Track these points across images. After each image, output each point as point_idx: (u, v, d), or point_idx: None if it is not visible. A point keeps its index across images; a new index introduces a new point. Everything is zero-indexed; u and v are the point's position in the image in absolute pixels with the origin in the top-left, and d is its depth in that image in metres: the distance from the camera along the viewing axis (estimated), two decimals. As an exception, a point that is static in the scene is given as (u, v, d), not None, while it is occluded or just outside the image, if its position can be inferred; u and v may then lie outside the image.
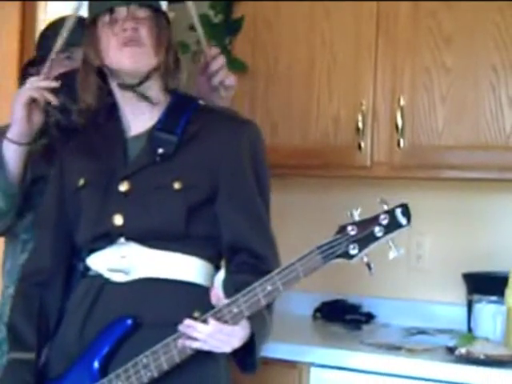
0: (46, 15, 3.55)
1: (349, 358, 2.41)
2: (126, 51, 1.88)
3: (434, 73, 2.66)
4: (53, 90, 2.13)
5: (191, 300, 1.91)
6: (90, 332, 1.90)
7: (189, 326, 1.78)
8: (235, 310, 1.78)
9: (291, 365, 2.47)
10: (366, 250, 1.74)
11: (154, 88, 1.96)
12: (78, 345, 1.91)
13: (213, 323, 1.77)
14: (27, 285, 2.03)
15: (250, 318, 1.80)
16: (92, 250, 1.96)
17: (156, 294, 1.90)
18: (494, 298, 2.55)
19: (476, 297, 2.63)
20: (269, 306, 1.85)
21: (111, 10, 1.90)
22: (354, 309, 3.02)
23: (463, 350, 2.30)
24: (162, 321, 1.87)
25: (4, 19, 3.56)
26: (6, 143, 2.11)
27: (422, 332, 2.76)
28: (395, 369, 2.34)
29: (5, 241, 2.36)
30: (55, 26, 2.35)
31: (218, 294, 1.87)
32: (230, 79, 2.20)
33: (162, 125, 1.96)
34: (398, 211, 1.75)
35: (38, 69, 2.23)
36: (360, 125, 2.75)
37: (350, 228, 1.75)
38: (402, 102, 2.69)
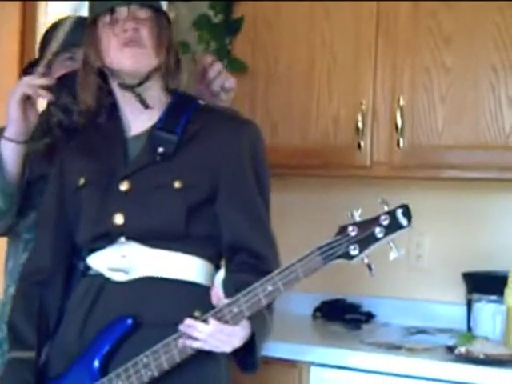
0: (46, 15, 3.56)
1: (349, 358, 2.41)
2: (126, 52, 1.89)
3: (434, 73, 2.66)
4: (55, 90, 2.14)
5: (191, 299, 1.91)
6: (90, 331, 1.90)
7: (189, 325, 1.78)
8: (236, 310, 1.78)
9: (291, 364, 2.47)
10: (366, 251, 1.74)
11: (154, 88, 1.96)
12: (78, 344, 1.91)
13: (213, 323, 1.77)
14: (27, 284, 2.04)
15: (251, 318, 1.80)
16: (92, 250, 1.96)
17: (156, 294, 1.90)
18: (493, 297, 2.55)
19: (476, 296, 2.63)
20: (269, 306, 1.85)
21: (112, 10, 1.91)
22: (354, 308, 3.03)
23: (463, 350, 2.30)
24: (163, 320, 1.87)
25: (4, 19, 3.57)
26: (3, 142, 2.11)
27: (421, 331, 2.76)
28: (395, 368, 2.34)
29: (7, 240, 2.36)
30: (58, 26, 2.35)
31: (218, 294, 1.87)
32: (230, 82, 2.21)
33: (163, 124, 1.96)
34: (399, 212, 1.74)
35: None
36: (360, 125, 2.76)
37: (350, 229, 1.74)
38: (402, 102, 2.69)
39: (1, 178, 2.11)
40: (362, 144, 2.76)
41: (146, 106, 1.96)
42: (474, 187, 2.87)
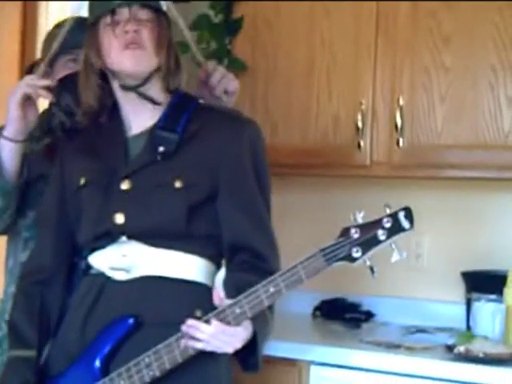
0: (47, 15, 3.56)
1: (348, 356, 2.42)
2: (127, 54, 1.89)
3: (434, 73, 2.67)
4: (57, 92, 2.15)
5: (192, 298, 1.92)
6: (91, 330, 1.91)
7: (191, 326, 1.78)
8: (238, 311, 1.78)
9: (291, 363, 2.48)
10: (368, 253, 1.75)
11: (155, 88, 1.97)
12: (79, 343, 1.91)
13: (215, 324, 1.77)
14: (28, 283, 2.04)
15: (252, 318, 1.81)
16: (94, 249, 1.97)
17: (157, 293, 1.91)
18: (492, 296, 2.55)
19: (475, 295, 2.63)
20: (270, 306, 1.85)
21: (113, 12, 1.91)
22: (354, 307, 3.03)
23: (462, 349, 2.30)
24: (164, 319, 1.88)
25: (5, 19, 3.56)
26: (2, 141, 2.12)
27: (421, 330, 2.77)
28: (394, 367, 2.35)
29: (7, 239, 2.37)
30: (60, 27, 2.36)
31: (219, 295, 1.87)
32: (233, 85, 2.22)
33: (163, 123, 1.97)
34: (401, 214, 1.75)
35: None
36: (359, 124, 2.76)
37: (353, 231, 1.75)
38: (402, 102, 2.70)
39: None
40: (362, 144, 2.76)
41: (153, 102, 1.97)
42: (474, 187, 2.88)
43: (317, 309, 3.09)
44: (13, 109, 2.09)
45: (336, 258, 1.75)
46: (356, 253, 1.75)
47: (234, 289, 1.83)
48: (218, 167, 1.92)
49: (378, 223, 1.75)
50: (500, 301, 2.50)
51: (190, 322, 1.78)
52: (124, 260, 1.92)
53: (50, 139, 2.28)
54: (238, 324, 1.79)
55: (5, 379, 1.96)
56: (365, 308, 3.03)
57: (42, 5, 3.61)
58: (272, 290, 1.76)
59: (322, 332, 2.91)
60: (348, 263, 1.76)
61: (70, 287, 2.02)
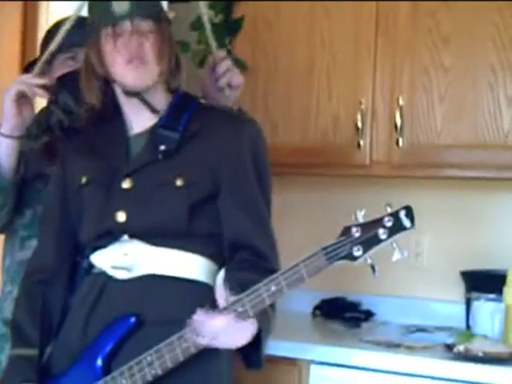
0: (47, 15, 3.56)
1: (348, 356, 2.42)
2: (130, 70, 1.90)
3: (433, 73, 2.67)
4: (56, 90, 2.15)
5: (194, 297, 1.92)
6: (93, 329, 1.91)
7: (199, 320, 1.77)
8: (240, 310, 1.78)
9: (291, 362, 2.48)
10: (369, 252, 1.75)
11: (157, 91, 1.98)
12: (80, 342, 1.92)
13: (223, 318, 1.76)
14: (30, 282, 2.05)
15: (256, 315, 1.81)
16: (96, 248, 1.97)
17: (158, 291, 1.91)
18: (492, 295, 2.56)
19: (474, 294, 2.64)
20: (272, 304, 1.86)
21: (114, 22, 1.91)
22: (354, 306, 3.04)
23: (462, 348, 2.31)
24: (165, 318, 1.88)
25: (5, 19, 3.56)
26: None
27: (420, 329, 2.77)
28: (394, 366, 2.35)
29: (4, 238, 2.37)
30: (59, 26, 2.36)
31: (223, 295, 1.86)
32: (237, 79, 2.22)
33: (164, 122, 1.97)
34: (402, 213, 1.75)
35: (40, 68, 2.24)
36: (359, 124, 2.77)
37: (354, 230, 1.75)
38: (401, 102, 2.70)
39: None
40: (362, 143, 2.77)
41: (153, 110, 1.98)
42: (473, 186, 2.89)
43: (317, 308, 3.09)
44: (8, 106, 2.10)
45: (337, 257, 1.75)
46: (357, 251, 1.75)
47: (235, 287, 1.82)
48: (219, 166, 1.93)
49: (379, 222, 1.75)
50: (499, 300, 2.50)
51: (198, 316, 1.77)
52: (125, 259, 1.92)
53: (48, 138, 2.29)
54: None
55: (7, 377, 1.96)
56: (365, 307, 3.03)
57: (43, 5, 3.61)
58: (273, 288, 1.77)
59: (322, 331, 2.92)
60: (349, 262, 1.76)
61: (73, 286, 2.03)
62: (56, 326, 2.01)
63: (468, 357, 2.28)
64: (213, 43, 2.24)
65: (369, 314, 3.01)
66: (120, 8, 1.88)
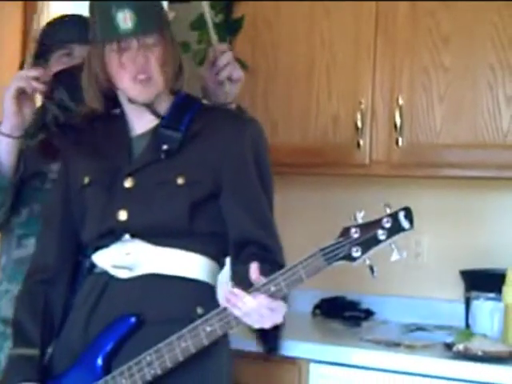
0: (48, 15, 3.56)
1: (348, 355, 2.42)
2: (136, 85, 1.91)
3: (433, 72, 2.68)
4: (51, 86, 2.15)
5: (194, 296, 1.93)
6: (94, 329, 1.92)
7: (236, 294, 1.77)
8: (273, 289, 1.78)
9: (291, 361, 2.48)
10: (368, 253, 1.76)
11: (161, 96, 1.98)
12: (82, 342, 1.92)
13: (260, 297, 1.76)
14: (32, 282, 2.05)
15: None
16: (98, 248, 1.98)
17: (159, 290, 1.92)
18: (491, 294, 2.57)
19: (474, 294, 2.64)
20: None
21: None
22: (353, 305, 3.04)
23: (461, 347, 2.31)
24: (165, 317, 1.89)
25: (6, 19, 3.56)
26: None
27: (420, 328, 2.78)
28: (394, 365, 2.36)
29: (0, 236, 2.37)
30: (56, 22, 2.37)
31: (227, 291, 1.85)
32: (237, 73, 2.21)
33: (167, 122, 1.98)
34: (401, 214, 1.76)
35: (36, 63, 2.23)
36: (359, 123, 2.77)
37: (353, 230, 1.76)
38: (401, 101, 2.71)
39: None
40: (361, 143, 2.78)
41: (158, 116, 1.98)
42: (473, 186, 2.89)
43: (317, 307, 3.10)
44: (8, 104, 2.11)
45: (336, 258, 1.76)
46: (356, 252, 1.75)
47: (245, 279, 1.80)
48: (221, 166, 1.94)
49: (377, 223, 1.76)
50: (499, 299, 2.51)
51: (236, 290, 1.77)
52: (127, 258, 1.93)
53: (44, 135, 2.29)
54: None
55: (7, 377, 1.97)
56: (364, 306, 3.04)
57: (43, 5, 3.60)
58: (273, 289, 1.77)
59: (322, 330, 2.92)
60: (348, 263, 1.77)
61: (75, 286, 2.03)
62: (58, 325, 2.02)
63: (467, 356, 2.28)
64: (214, 36, 2.23)
65: (369, 313, 3.01)
66: (124, 24, 1.88)
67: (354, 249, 1.75)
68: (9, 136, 2.13)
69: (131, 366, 1.85)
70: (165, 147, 1.95)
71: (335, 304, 3.06)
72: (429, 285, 2.98)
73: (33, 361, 1.95)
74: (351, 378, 2.41)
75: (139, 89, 1.92)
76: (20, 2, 3.58)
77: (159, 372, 1.84)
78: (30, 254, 2.21)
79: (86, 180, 2.00)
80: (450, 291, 2.90)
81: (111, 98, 2.02)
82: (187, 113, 1.99)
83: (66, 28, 2.31)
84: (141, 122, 2.01)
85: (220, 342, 1.89)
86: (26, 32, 3.56)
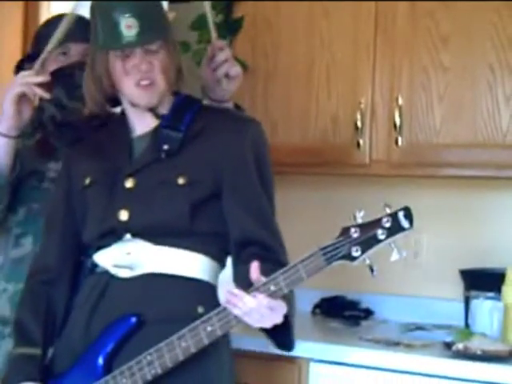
0: (49, 15, 3.56)
1: (348, 354, 2.43)
2: (140, 91, 1.92)
3: (432, 72, 2.68)
4: (47, 85, 2.15)
5: (195, 296, 1.93)
6: (95, 328, 1.92)
7: (236, 295, 1.77)
8: (273, 288, 1.78)
9: (291, 360, 2.48)
10: (368, 253, 1.76)
11: (163, 98, 1.99)
12: (83, 341, 1.93)
13: (260, 297, 1.76)
14: (34, 282, 2.06)
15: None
16: (99, 247, 1.98)
17: (160, 290, 1.92)
18: (491, 294, 2.57)
19: (473, 293, 2.65)
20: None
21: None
22: (353, 305, 3.05)
23: (460, 346, 2.32)
24: (166, 316, 1.89)
25: (7, 19, 3.56)
26: None
27: (419, 328, 2.78)
28: (393, 364, 2.36)
29: None
30: (52, 23, 2.37)
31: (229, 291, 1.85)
32: (235, 70, 2.21)
33: (167, 122, 1.99)
34: (401, 214, 1.76)
35: (32, 64, 2.23)
36: (359, 123, 2.78)
37: (353, 230, 1.76)
38: (400, 101, 2.71)
39: None
40: (361, 142, 2.78)
41: (159, 117, 1.99)
42: (472, 185, 2.90)
43: (316, 306, 3.10)
44: (7, 106, 2.11)
45: (336, 257, 1.76)
46: (355, 252, 1.76)
47: (246, 280, 1.81)
48: (222, 166, 1.94)
49: (377, 223, 1.76)
50: (498, 298, 2.51)
51: (236, 290, 1.77)
52: (128, 258, 1.94)
53: (41, 134, 2.30)
54: None
55: (9, 376, 1.97)
56: (364, 306, 3.04)
57: (44, 5, 3.61)
58: (273, 288, 1.77)
59: (322, 329, 2.92)
60: (348, 262, 1.77)
61: (77, 286, 2.04)
62: (59, 325, 2.02)
63: (467, 355, 2.29)
64: (213, 33, 2.23)
65: (368, 313, 3.02)
66: (128, 32, 1.88)
67: (354, 248, 1.76)
68: (6, 136, 2.14)
69: (132, 365, 1.85)
70: (165, 147, 1.95)
71: (335, 303, 3.07)
72: (428, 284, 2.98)
73: (34, 360, 1.96)
74: (351, 377, 2.42)
75: (143, 94, 1.93)
76: (20, 2, 3.58)
77: (160, 371, 1.84)
78: (28, 253, 2.22)
79: (88, 181, 2.01)
80: (449, 290, 2.90)
81: (112, 98, 2.03)
82: (188, 113, 2.00)
83: (66, 30, 2.31)
84: (142, 123, 2.02)
85: (221, 341, 1.89)
86: (26, 32, 3.57)
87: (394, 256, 1.77)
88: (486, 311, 2.57)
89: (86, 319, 1.94)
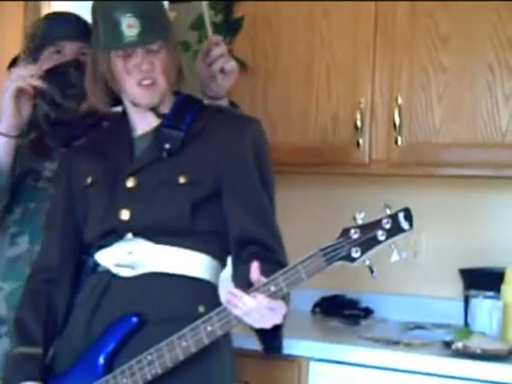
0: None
1: (347, 353, 2.43)
2: (141, 91, 1.93)
3: (431, 72, 2.68)
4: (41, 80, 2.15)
5: (196, 295, 1.94)
6: (96, 327, 1.92)
7: (236, 295, 1.77)
8: (273, 289, 1.78)
9: (290, 359, 2.48)
10: (368, 254, 1.77)
11: (164, 97, 2.00)
12: (84, 340, 1.93)
13: (260, 297, 1.76)
14: (35, 281, 2.06)
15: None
16: (101, 247, 1.99)
17: (161, 289, 1.92)
18: (490, 293, 2.58)
19: (473, 292, 2.66)
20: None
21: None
22: (353, 304, 3.05)
23: (460, 345, 2.32)
24: (167, 316, 1.90)
25: (7, 19, 3.57)
26: None
27: (419, 327, 2.79)
28: (393, 363, 2.36)
29: None
30: (46, 20, 2.37)
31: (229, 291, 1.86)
32: (230, 65, 2.20)
33: (168, 122, 2.00)
34: (401, 215, 1.76)
35: (26, 61, 2.23)
36: (358, 123, 2.78)
37: (353, 231, 1.76)
38: (400, 101, 2.72)
39: None
40: (361, 142, 2.78)
41: (160, 116, 2.00)
42: (472, 185, 2.90)
43: (316, 305, 3.11)
44: (6, 104, 2.12)
45: (336, 258, 1.76)
46: (355, 253, 1.76)
47: (246, 280, 1.81)
48: (222, 165, 1.95)
49: (377, 224, 1.76)
50: (497, 298, 2.52)
51: (236, 291, 1.78)
52: (129, 257, 1.94)
53: (35, 133, 2.30)
54: None
55: (10, 375, 1.97)
56: (364, 305, 3.05)
57: (45, 5, 3.61)
58: (273, 289, 1.78)
59: (322, 328, 2.93)
60: (347, 263, 1.78)
61: (79, 285, 2.04)
62: (60, 324, 2.03)
63: (466, 354, 2.29)
64: (209, 28, 2.23)
65: (368, 312, 3.02)
66: (129, 31, 1.88)
67: (354, 249, 1.76)
68: (6, 135, 2.14)
69: (132, 365, 1.85)
70: (167, 146, 1.96)
71: (335, 302, 3.07)
72: (428, 283, 2.99)
73: (35, 359, 1.96)
74: (350, 375, 2.42)
75: (144, 93, 1.94)
76: (21, 2, 3.58)
77: (160, 371, 1.84)
78: (24, 252, 2.23)
79: (89, 180, 2.01)
80: (448, 289, 2.90)
81: (113, 96, 2.03)
82: (189, 112, 2.01)
83: (57, 25, 2.31)
84: (143, 123, 2.02)
85: (222, 341, 1.89)
86: (26, 32, 3.57)
87: (394, 257, 1.77)
88: (486, 310, 2.57)
89: (88, 318, 1.95)
